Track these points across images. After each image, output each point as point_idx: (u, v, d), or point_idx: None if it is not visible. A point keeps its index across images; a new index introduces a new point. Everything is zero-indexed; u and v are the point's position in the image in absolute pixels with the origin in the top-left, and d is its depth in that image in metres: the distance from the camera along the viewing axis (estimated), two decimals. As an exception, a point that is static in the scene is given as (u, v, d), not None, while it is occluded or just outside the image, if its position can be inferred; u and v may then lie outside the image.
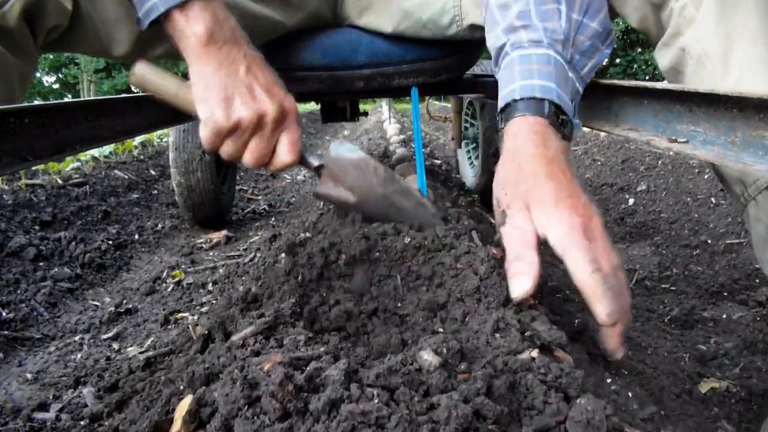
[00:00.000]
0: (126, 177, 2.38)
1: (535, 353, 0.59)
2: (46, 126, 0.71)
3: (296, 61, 1.33)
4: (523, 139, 0.72)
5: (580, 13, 0.79)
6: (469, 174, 2.42)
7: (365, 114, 2.49)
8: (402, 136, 3.70)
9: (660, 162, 2.52)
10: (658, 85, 0.69)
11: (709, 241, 1.83)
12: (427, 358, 0.50)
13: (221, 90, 0.76)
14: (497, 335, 0.62)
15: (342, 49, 1.33)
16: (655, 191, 2.31)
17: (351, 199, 0.88)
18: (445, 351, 0.52)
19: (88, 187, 2.14)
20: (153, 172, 2.63)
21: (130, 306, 1.55)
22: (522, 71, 0.76)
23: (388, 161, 2.23)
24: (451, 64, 1.41)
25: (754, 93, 0.52)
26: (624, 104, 0.79)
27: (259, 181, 3.38)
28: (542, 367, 0.57)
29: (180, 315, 1.43)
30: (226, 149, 0.80)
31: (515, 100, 0.74)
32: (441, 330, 0.65)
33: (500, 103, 0.78)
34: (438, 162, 3.18)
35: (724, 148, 0.58)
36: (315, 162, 0.88)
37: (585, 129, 3.96)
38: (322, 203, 2.00)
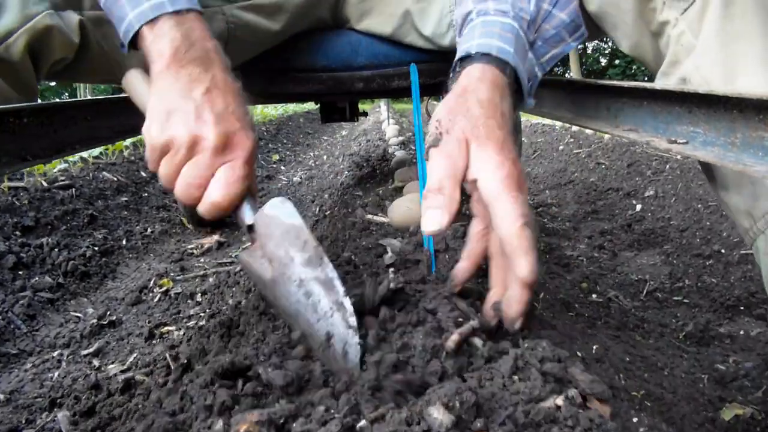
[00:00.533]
0: (115, 179, 2.30)
1: (560, 401, 0.51)
2: (45, 126, 0.69)
3: (297, 62, 1.34)
4: (479, 82, 0.71)
5: (550, 4, 0.80)
6: None
7: (365, 114, 2.43)
8: (401, 138, 3.61)
9: (668, 166, 2.44)
10: (658, 85, 0.69)
11: (723, 251, 1.75)
12: (437, 416, 0.42)
13: (166, 106, 0.69)
14: (515, 377, 0.54)
15: (342, 51, 1.34)
16: (663, 197, 2.23)
17: (267, 274, 0.68)
18: (458, 405, 0.44)
19: (74, 189, 2.05)
20: (144, 174, 2.54)
21: (114, 318, 1.46)
22: (483, 32, 0.76)
23: (387, 164, 2.15)
24: (450, 65, 1.38)
25: (753, 94, 0.51)
26: (623, 105, 0.78)
27: (254, 183, 3.30)
28: (570, 418, 0.49)
29: (166, 329, 1.34)
30: (161, 171, 0.70)
31: (471, 55, 0.74)
32: (449, 369, 0.57)
33: (456, 57, 0.77)
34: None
35: (723, 149, 0.57)
36: (248, 219, 0.70)
37: (588, 131, 3.89)
38: (318, 209, 1.93)
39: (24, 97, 0.82)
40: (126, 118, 0.92)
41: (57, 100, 0.84)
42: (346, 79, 1.36)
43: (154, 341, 1.30)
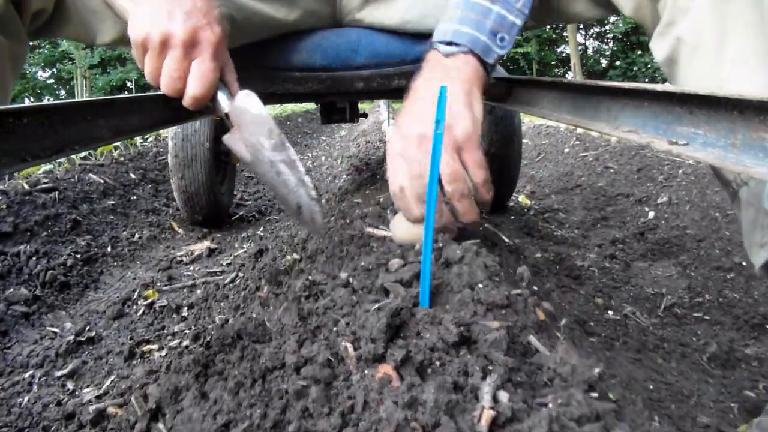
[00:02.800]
0: (102, 181, 2.19)
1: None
2: (45, 126, 0.70)
3: (296, 61, 1.32)
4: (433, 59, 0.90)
5: None
6: None
7: (365, 115, 2.33)
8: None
9: (681, 171, 2.34)
10: (658, 87, 0.69)
11: (744, 264, 1.65)
12: None
13: (146, 9, 0.79)
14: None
15: (342, 50, 1.31)
16: (677, 204, 2.13)
17: (246, 156, 0.85)
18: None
19: (57, 193, 1.94)
20: (133, 176, 2.43)
21: (94, 333, 1.36)
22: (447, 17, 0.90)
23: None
24: None
25: (754, 95, 0.52)
26: (624, 106, 0.78)
27: (249, 185, 3.19)
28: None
29: (147, 347, 1.24)
30: (146, 69, 0.81)
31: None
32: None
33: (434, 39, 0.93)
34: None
35: (724, 150, 0.58)
36: (225, 108, 0.85)
37: (593, 133, 3.79)
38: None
39: (15, 46, 0.89)
40: (126, 118, 0.94)
41: (56, 100, 0.89)
42: (346, 79, 1.34)
43: (134, 361, 1.20)
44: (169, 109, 1.07)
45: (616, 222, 2.21)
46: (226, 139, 0.86)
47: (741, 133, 0.55)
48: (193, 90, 0.80)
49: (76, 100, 0.80)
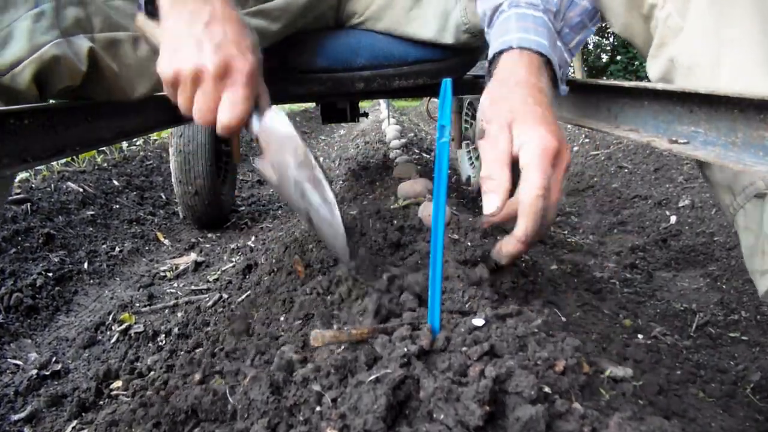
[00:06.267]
0: (80, 190, 2.03)
1: None
2: (46, 127, 0.69)
3: (297, 63, 1.32)
4: (517, 66, 0.76)
5: None
6: (469, 174, 2.38)
7: (365, 115, 2.21)
8: (403, 140, 3.35)
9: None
10: (659, 85, 0.69)
11: (783, 276, 1.49)
12: None
13: (173, 42, 0.77)
14: None
15: (342, 52, 1.32)
16: (701, 207, 1.97)
17: (273, 178, 0.82)
18: None
19: (30, 204, 1.79)
20: (116, 183, 2.28)
21: (60, 366, 1.21)
22: (519, 27, 0.79)
23: (388, 173, 1.90)
24: (451, 66, 1.39)
25: (754, 94, 0.52)
26: (624, 105, 0.78)
27: (243, 189, 3.04)
28: None
29: (116, 385, 1.09)
30: (179, 101, 0.80)
31: (512, 47, 0.78)
32: None
33: (494, 50, 0.81)
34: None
35: (724, 149, 0.57)
36: (255, 132, 0.82)
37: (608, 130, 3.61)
38: (306, 225, 1.67)
39: None
40: (126, 119, 0.91)
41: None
42: (347, 80, 1.34)
43: (100, 401, 1.05)
44: (171, 111, 1.06)
45: (635, 227, 2.05)
46: (257, 163, 0.84)
47: (741, 132, 0.55)
48: (224, 119, 0.78)
49: (77, 101, 0.79)
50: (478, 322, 0.58)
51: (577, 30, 0.87)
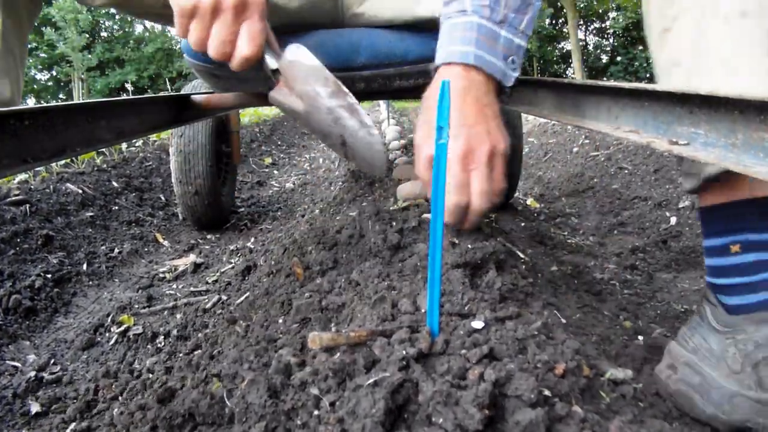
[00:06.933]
0: (80, 191, 2.03)
1: None
2: (47, 128, 0.69)
3: None
4: (446, 76, 0.84)
5: None
6: None
7: (365, 115, 2.20)
8: (403, 141, 3.34)
9: (702, 172, 2.18)
10: (659, 87, 0.69)
11: (784, 277, 1.48)
12: None
13: None
14: None
15: (343, 50, 1.30)
16: (701, 209, 1.97)
17: (299, 107, 0.87)
18: None
19: (29, 205, 1.78)
20: (115, 184, 2.27)
21: (59, 368, 1.21)
22: (448, 40, 0.85)
23: (388, 173, 1.89)
24: None
25: (754, 96, 0.52)
26: (624, 106, 0.78)
27: (243, 190, 3.04)
28: None
29: (113, 387, 1.08)
30: (192, 35, 0.82)
31: (443, 63, 0.85)
32: None
33: (432, 67, 0.89)
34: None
35: (725, 150, 0.57)
36: (272, 65, 0.88)
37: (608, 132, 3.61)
38: (306, 227, 1.66)
39: (31, 4, 0.96)
40: (127, 120, 0.93)
41: (56, 101, 0.81)
42: (347, 80, 1.30)
43: (98, 405, 1.04)
44: (171, 111, 1.07)
45: (635, 228, 2.05)
46: (273, 95, 0.89)
47: (741, 133, 0.55)
48: (245, 51, 0.82)
49: (77, 102, 0.78)
50: (478, 324, 0.57)
51: (522, 11, 0.88)
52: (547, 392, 0.52)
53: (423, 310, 0.64)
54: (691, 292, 1.58)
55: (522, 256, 1.41)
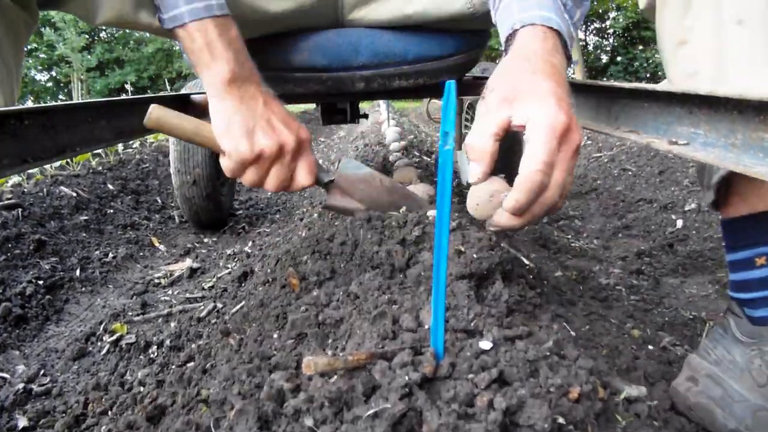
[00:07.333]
0: (74, 194, 1.99)
1: None
2: (47, 128, 0.69)
3: (298, 62, 1.30)
4: (530, 42, 0.71)
5: None
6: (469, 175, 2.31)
7: (365, 116, 2.17)
8: (403, 142, 3.30)
9: (708, 174, 2.14)
10: (659, 87, 0.68)
11: (795, 282, 1.44)
12: None
13: (243, 123, 0.82)
14: None
15: (343, 50, 1.30)
16: (708, 212, 1.93)
17: (361, 208, 0.98)
18: None
19: (21, 210, 1.74)
20: (111, 187, 2.23)
21: (47, 380, 1.17)
22: (522, 7, 0.76)
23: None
24: (451, 65, 1.38)
25: (753, 95, 0.51)
26: (624, 106, 0.77)
27: (241, 192, 3.00)
28: None
29: (104, 400, 1.04)
30: (249, 177, 0.85)
31: (524, 25, 0.74)
32: None
33: (505, 32, 0.77)
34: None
35: (724, 150, 0.57)
36: (326, 179, 0.97)
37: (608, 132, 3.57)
38: (304, 232, 1.62)
39: (27, 14, 0.93)
40: (126, 119, 0.93)
41: (55, 102, 0.88)
42: (347, 79, 1.33)
43: (86, 422, 1.00)
44: None
45: (640, 231, 2.01)
46: (330, 202, 1.02)
47: (741, 133, 0.54)
48: (305, 182, 0.90)
49: (77, 102, 0.77)
50: (486, 345, 0.53)
51: (577, 4, 0.84)
52: (561, 420, 0.48)
53: (426, 327, 0.60)
54: (699, 298, 1.54)
55: (527, 262, 1.37)
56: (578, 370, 0.55)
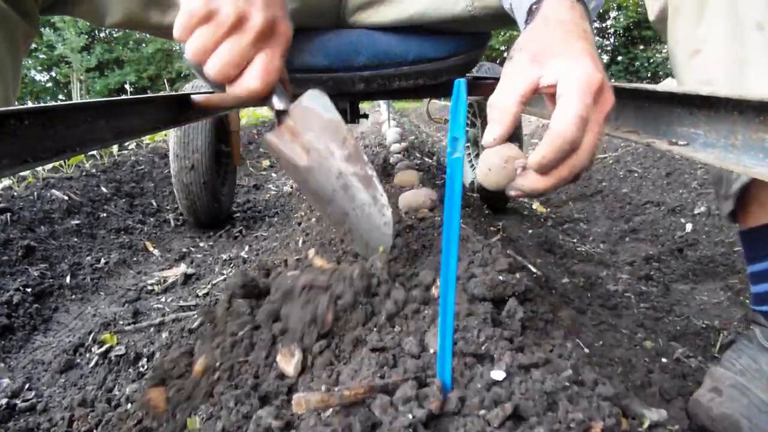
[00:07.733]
0: (66, 198, 1.93)
1: None
2: (47, 128, 0.69)
3: (298, 62, 1.28)
4: (559, 8, 0.66)
5: None
6: (468, 175, 2.41)
7: (365, 116, 2.12)
8: (404, 143, 3.25)
9: (717, 176, 2.08)
10: (659, 87, 0.67)
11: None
12: None
13: None
14: None
15: (343, 51, 1.30)
16: (718, 215, 1.87)
17: (302, 161, 0.76)
18: None
19: (10, 214, 1.69)
20: (105, 190, 2.18)
21: (32, 395, 1.11)
22: None
23: (388, 180, 1.80)
24: (451, 66, 1.37)
25: (753, 96, 0.51)
26: (624, 107, 0.76)
27: (239, 194, 2.95)
28: None
29: (90, 418, 0.99)
30: (194, 41, 0.69)
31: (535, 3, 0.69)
32: None
33: (526, 8, 0.70)
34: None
35: (724, 151, 0.57)
36: (279, 105, 0.76)
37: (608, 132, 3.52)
38: (302, 238, 1.57)
39: (27, 23, 0.90)
40: (127, 119, 0.91)
41: (55, 102, 0.83)
42: (347, 80, 1.32)
43: (71, 439, 0.95)
44: (171, 111, 1.07)
45: (648, 235, 1.95)
46: (271, 138, 0.78)
47: (741, 134, 0.54)
48: (253, 83, 0.70)
49: (77, 102, 0.76)
50: (498, 375, 0.48)
51: None
52: (584, 462, 0.42)
53: (431, 351, 0.55)
54: (711, 306, 1.49)
55: (533, 269, 1.32)
56: (600, 402, 0.50)
